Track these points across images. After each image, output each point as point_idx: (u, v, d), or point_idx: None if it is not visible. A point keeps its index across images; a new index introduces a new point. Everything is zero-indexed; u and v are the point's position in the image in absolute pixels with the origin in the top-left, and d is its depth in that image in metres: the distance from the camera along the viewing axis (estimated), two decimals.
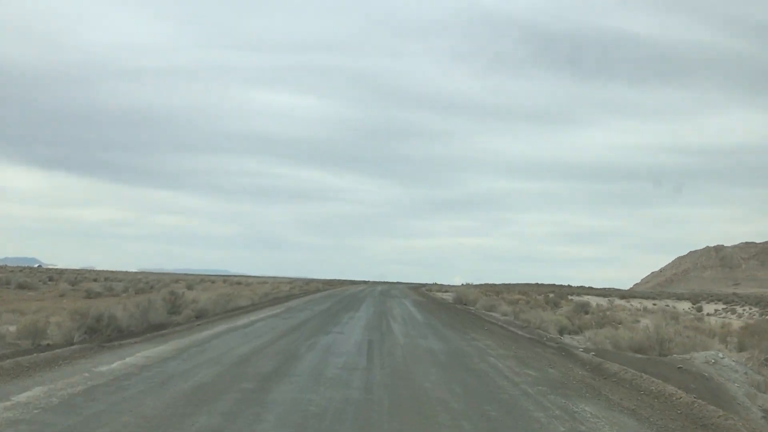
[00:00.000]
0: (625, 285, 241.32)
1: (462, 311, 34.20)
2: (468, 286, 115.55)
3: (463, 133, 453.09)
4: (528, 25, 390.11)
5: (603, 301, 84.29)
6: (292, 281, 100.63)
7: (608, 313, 32.58)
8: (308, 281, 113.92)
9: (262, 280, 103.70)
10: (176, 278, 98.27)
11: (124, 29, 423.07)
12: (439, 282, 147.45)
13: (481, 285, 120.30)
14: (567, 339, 20.53)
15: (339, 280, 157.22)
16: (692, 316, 31.99)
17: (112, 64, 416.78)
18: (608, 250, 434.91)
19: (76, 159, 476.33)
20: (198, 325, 17.54)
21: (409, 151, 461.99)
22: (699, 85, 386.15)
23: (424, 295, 64.98)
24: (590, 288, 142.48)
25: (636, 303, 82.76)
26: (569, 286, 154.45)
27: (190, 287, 61.36)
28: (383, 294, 59.04)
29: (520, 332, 20.78)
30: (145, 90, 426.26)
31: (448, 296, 61.80)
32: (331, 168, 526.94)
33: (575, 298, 62.61)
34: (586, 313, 36.22)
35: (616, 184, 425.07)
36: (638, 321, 30.39)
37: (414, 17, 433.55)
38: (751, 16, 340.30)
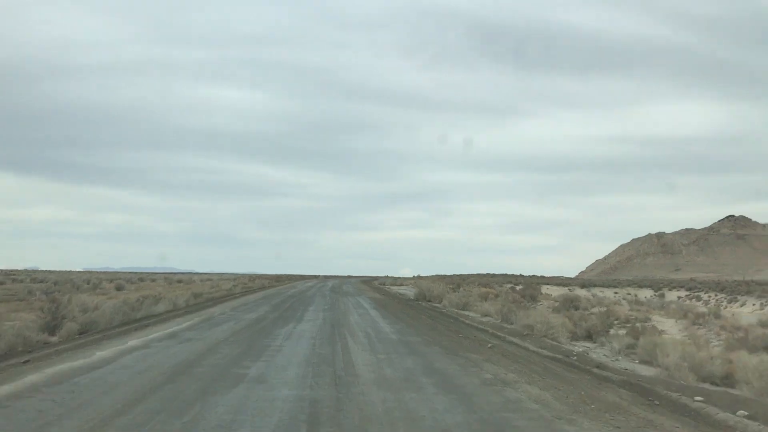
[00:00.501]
0: (572, 273, 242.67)
1: (433, 312, 28.13)
2: (419, 278, 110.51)
3: (410, 125, 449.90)
4: (472, 18, 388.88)
5: (563, 291, 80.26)
6: (237, 278, 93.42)
7: (606, 309, 27.17)
8: (255, 277, 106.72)
9: (207, 278, 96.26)
10: (113, 277, 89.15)
11: (64, 25, 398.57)
12: (389, 274, 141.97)
13: (431, 276, 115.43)
14: (600, 356, 14.70)
15: (288, 275, 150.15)
16: (705, 311, 27.03)
17: (53, 60, 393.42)
18: (554, 239, 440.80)
19: (18, 158, 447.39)
20: (14, 365, 10.47)
21: (356, 145, 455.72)
22: (641, 77, 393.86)
23: (379, 290, 58.73)
24: (542, 277, 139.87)
25: (598, 292, 79.11)
26: (521, 275, 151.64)
27: (119, 288, 54.05)
28: (335, 291, 52.30)
29: (531, 347, 14.83)
30: (87, 87, 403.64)
31: (406, 290, 55.94)
32: (279, 163, 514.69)
33: (545, 289, 57.80)
34: (576, 309, 30.78)
35: (561, 174, 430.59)
36: (648, 319, 25.08)
37: (358, 10, 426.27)
38: (691, 8, 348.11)
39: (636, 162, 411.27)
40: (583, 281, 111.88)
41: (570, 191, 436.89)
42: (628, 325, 24.34)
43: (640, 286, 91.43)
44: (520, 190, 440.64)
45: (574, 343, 17.78)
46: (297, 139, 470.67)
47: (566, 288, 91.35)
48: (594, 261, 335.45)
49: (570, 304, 30.97)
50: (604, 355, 15.50)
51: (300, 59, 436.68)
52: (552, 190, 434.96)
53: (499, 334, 17.87)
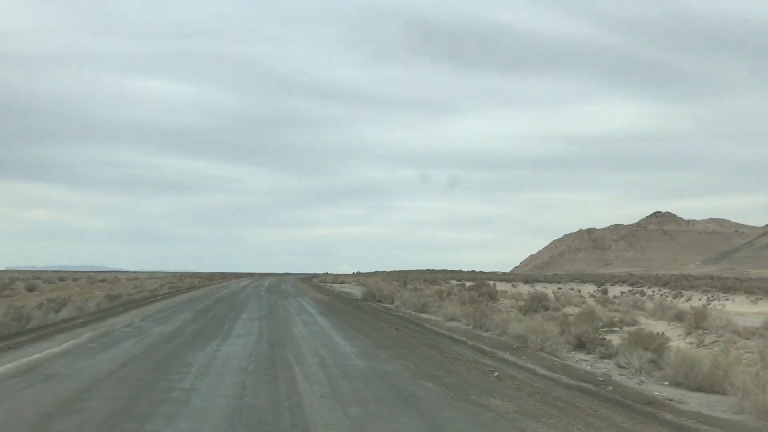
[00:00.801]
0: (506, 268, 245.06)
1: (390, 316, 24.39)
2: (360, 274, 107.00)
3: (348, 121, 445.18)
4: (410, 15, 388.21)
5: (509, 287, 78.42)
6: (165, 277, 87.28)
7: (588, 310, 24.20)
8: (186, 276, 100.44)
9: (135, 277, 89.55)
10: (34, 276, 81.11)
11: None
12: (328, 271, 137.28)
13: (372, 273, 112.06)
14: (617, 375, 11.35)
15: (221, 274, 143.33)
16: (693, 311, 24.41)
17: None
18: (489, 235, 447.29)
19: None
20: None
21: (293, 140, 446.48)
22: (572, 76, 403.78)
23: (321, 289, 54.48)
24: (480, 272, 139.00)
25: (542, 288, 77.67)
26: (460, 271, 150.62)
27: (30, 289, 48.09)
28: (272, 291, 47.61)
29: (539, 369, 11.33)
30: (8, 77, 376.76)
31: (350, 289, 52.11)
32: (212, 157, 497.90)
33: (497, 286, 55.11)
34: (546, 309, 27.78)
35: (495, 171, 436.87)
36: (636, 322, 22.24)
37: (296, 4, 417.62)
38: (618, 11, 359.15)
39: (567, 159, 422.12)
40: (524, 276, 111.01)
41: (504, 188, 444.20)
42: (616, 329, 21.39)
43: (582, 281, 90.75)
44: (457, 187, 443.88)
45: (572, 354, 14.54)
46: (232, 134, 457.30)
47: (510, 284, 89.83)
48: (528, 256, 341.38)
49: (539, 304, 27.96)
50: (621, 374, 12.28)
51: (236, 52, 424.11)
52: (487, 187, 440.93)
53: (483, 347, 14.29)
